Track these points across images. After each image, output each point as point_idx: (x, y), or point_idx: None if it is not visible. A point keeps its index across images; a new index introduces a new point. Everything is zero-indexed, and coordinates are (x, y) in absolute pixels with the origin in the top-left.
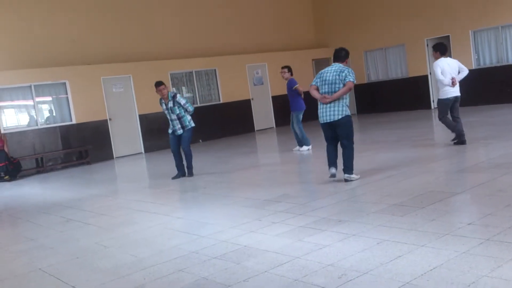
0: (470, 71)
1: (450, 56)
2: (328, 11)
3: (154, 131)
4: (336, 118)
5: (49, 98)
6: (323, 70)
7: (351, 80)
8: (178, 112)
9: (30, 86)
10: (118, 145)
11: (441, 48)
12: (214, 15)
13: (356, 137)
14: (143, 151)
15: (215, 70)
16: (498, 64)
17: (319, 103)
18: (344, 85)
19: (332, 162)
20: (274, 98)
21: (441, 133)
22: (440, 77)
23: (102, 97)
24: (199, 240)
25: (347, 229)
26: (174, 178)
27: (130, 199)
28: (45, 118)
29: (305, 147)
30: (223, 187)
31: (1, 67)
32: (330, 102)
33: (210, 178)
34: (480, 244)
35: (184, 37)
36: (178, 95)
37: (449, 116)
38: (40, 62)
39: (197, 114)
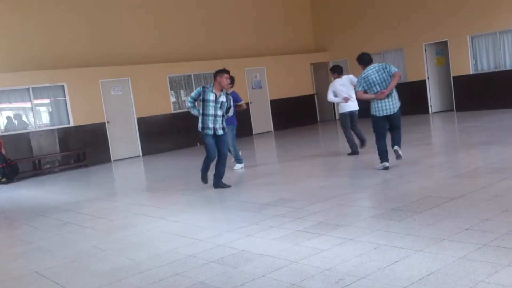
0: (468, 76)
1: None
2: (327, 15)
3: (152, 134)
4: (395, 111)
5: (47, 101)
6: (364, 75)
7: (397, 70)
8: (224, 110)
9: (28, 89)
10: (116, 148)
11: (338, 70)
12: (213, 18)
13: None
14: (140, 154)
15: (213, 73)
16: (496, 70)
17: (375, 101)
18: (392, 77)
19: (386, 157)
20: (273, 102)
21: (439, 138)
22: (331, 99)
23: (100, 100)
24: (196, 243)
25: (345, 234)
26: (204, 182)
27: (128, 202)
28: (43, 120)
29: (237, 166)
30: (221, 190)
31: None
32: (387, 97)
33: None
34: (478, 249)
35: (182, 40)
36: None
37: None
38: (38, 65)
39: (195, 117)
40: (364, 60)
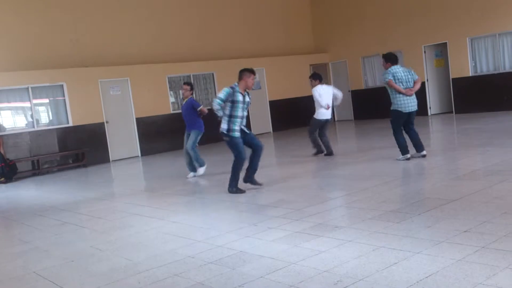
0: (467, 78)
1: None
2: (327, 16)
3: (151, 134)
4: (417, 108)
5: (46, 100)
6: (393, 71)
7: (418, 77)
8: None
9: (27, 88)
10: (114, 148)
11: (319, 77)
12: (212, 19)
13: (353, 144)
14: (139, 154)
15: (213, 74)
16: (495, 72)
17: (401, 98)
18: (415, 82)
19: (407, 149)
20: (272, 103)
21: (438, 140)
22: (319, 98)
23: (99, 100)
24: (195, 244)
25: (343, 235)
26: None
27: (126, 202)
28: (42, 120)
29: (201, 169)
30: (219, 191)
31: None
32: (411, 95)
33: (206, 182)
34: (476, 251)
35: (182, 40)
36: None
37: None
38: (38, 64)
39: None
40: (393, 58)
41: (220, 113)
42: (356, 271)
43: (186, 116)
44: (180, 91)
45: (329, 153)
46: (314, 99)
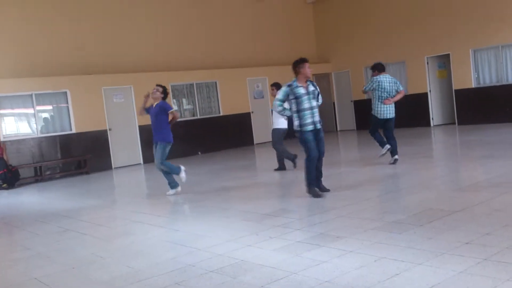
0: (470, 89)
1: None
2: (330, 27)
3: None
4: (393, 115)
5: (50, 107)
6: (380, 80)
7: (402, 89)
8: (317, 99)
9: (31, 95)
10: (117, 156)
11: (279, 86)
12: (215, 28)
13: (355, 154)
14: (142, 162)
15: (215, 82)
16: (498, 83)
17: (379, 106)
18: (398, 92)
19: (385, 142)
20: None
21: (440, 151)
22: (279, 109)
23: (102, 107)
24: (196, 253)
25: (345, 246)
26: (317, 196)
27: (128, 210)
28: (45, 127)
29: (182, 175)
30: (221, 200)
31: (2, 75)
32: (389, 104)
33: (208, 190)
34: (478, 263)
35: (185, 49)
36: None
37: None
38: (42, 71)
39: (197, 126)
40: (379, 67)
41: (286, 113)
42: (358, 281)
43: (155, 122)
44: (149, 94)
45: (281, 168)
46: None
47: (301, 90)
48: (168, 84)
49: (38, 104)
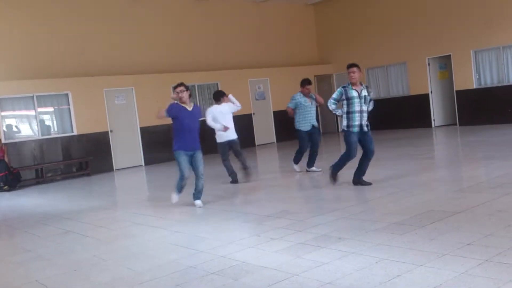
0: (471, 90)
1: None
2: (331, 28)
3: (155, 144)
4: (312, 127)
5: (51, 109)
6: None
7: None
8: (368, 104)
9: (33, 97)
10: (118, 157)
11: (216, 96)
12: (217, 29)
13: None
14: (143, 163)
15: (217, 84)
16: (499, 84)
17: (302, 117)
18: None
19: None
20: (276, 113)
21: (442, 152)
22: (211, 124)
23: (104, 109)
24: (197, 254)
25: (347, 247)
26: (334, 181)
27: (129, 212)
28: (46, 128)
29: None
30: (223, 201)
31: (4, 77)
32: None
33: (210, 192)
34: (479, 264)
35: (187, 50)
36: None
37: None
38: (43, 73)
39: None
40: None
41: (338, 112)
42: (359, 283)
43: (192, 127)
44: (172, 95)
45: (234, 181)
46: (207, 122)
47: (354, 93)
48: (170, 85)
49: (39, 106)
